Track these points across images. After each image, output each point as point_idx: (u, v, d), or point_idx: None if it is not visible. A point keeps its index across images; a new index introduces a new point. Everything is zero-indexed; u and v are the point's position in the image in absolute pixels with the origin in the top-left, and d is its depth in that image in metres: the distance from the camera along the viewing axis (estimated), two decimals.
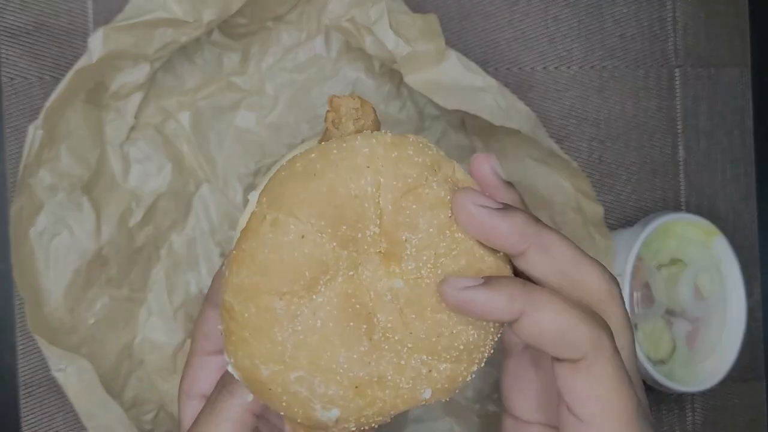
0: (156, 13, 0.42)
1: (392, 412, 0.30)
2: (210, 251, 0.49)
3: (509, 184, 0.32)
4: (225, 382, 0.33)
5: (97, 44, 0.42)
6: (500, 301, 0.28)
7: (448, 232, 0.29)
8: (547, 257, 0.29)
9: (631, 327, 0.30)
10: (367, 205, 0.29)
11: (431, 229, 0.29)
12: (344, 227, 0.28)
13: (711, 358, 0.50)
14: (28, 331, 0.44)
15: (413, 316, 0.29)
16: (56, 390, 0.48)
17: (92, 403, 0.43)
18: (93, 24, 0.49)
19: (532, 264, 0.29)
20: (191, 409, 0.36)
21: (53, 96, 0.42)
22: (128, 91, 0.46)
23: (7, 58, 0.49)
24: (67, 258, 0.45)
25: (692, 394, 0.54)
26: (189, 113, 0.48)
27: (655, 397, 0.53)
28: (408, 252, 0.29)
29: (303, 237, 0.28)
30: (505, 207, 0.29)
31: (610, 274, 0.29)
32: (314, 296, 0.28)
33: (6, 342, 0.49)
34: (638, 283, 0.49)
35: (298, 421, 0.30)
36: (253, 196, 0.33)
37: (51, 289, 0.45)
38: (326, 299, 0.28)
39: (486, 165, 0.31)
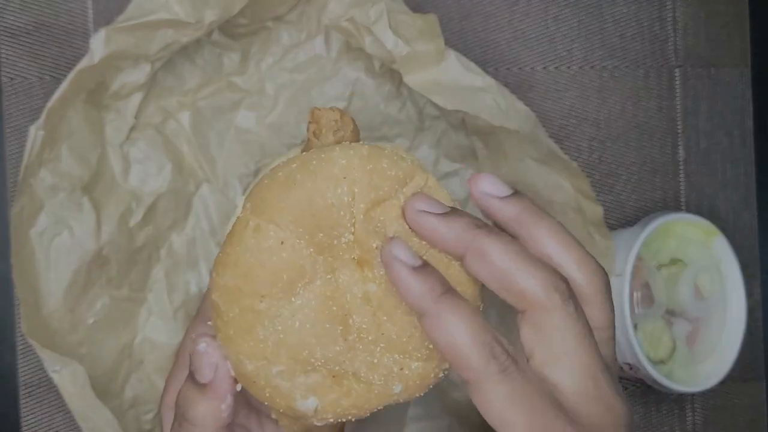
0: (158, 14, 0.42)
1: (367, 407, 0.32)
2: (210, 251, 0.49)
3: (513, 194, 0.32)
4: (181, 413, 0.33)
5: (99, 45, 0.42)
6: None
7: (415, 239, 0.31)
8: (483, 263, 0.29)
9: (582, 332, 0.29)
10: (342, 213, 0.30)
11: (399, 237, 0.31)
12: (321, 234, 0.30)
13: (711, 358, 0.50)
14: None
15: (385, 318, 0.31)
16: (56, 390, 0.48)
17: (85, 406, 0.43)
18: (93, 24, 0.49)
19: (471, 268, 0.30)
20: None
21: (55, 96, 0.42)
22: (129, 91, 0.46)
23: (7, 58, 0.49)
24: (68, 258, 0.45)
25: (692, 394, 0.54)
26: (189, 113, 0.48)
27: (655, 397, 0.53)
28: (378, 260, 0.31)
29: (282, 243, 0.30)
30: (450, 211, 0.30)
31: (555, 279, 0.29)
32: (293, 299, 0.30)
33: (6, 342, 0.49)
34: (638, 283, 0.49)
35: (281, 411, 0.32)
36: (242, 201, 0.34)
37: (51, 289, 0.45)
38: (305, 301, 0.30)
39: (476, 190, 0.31)
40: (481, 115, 0.43)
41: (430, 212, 0.30)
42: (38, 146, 0.42)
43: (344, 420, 0.32)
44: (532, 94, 0.52)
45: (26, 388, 0.49)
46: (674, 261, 0.50)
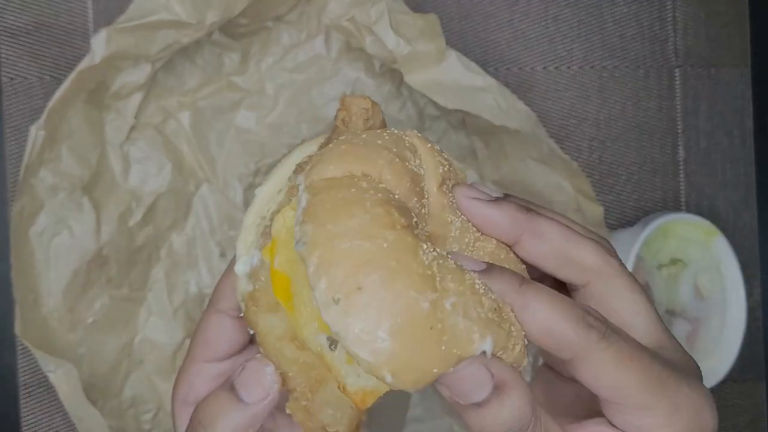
0: (159, 15, 0.42)
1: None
2: (210, 251, 0.49)
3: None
4: (202, 423, 0.31)
5: (100, 45, 0.42)
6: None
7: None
8: (541, 241, 0.30)
9: (642, 291, 0.30)
10: (422, 185, 0.29)
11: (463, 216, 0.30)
12: (415, 199, 0.28)
13: (711, 358, 0.50)
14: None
15: None
16: (56, 390, 0.48)
17: (78, 408, 0.43)
18: (93, 24, 0.49)
19: (528, 249, 0.30)
20: (187, 417, 0.34)
21: (56, 96, 0.42)
22: (129, 91, 0.46)
23: (7, 58, 0.49)
24: (67, 258, 0.45)
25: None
26: (189, 113, 0.48)
27: None
28: (453, 234, 0.30)
29: (396, 195, 0.27)
30: (498, 198, 0.30)
31: (607, 247, 0.30)
32: (421, 240, 0.27)
33: (6, 342, 0.49)
34: None
35: (448, 370, 0.26)
36: (261, 191, 0.33)
37: (51, 288, 0.45)
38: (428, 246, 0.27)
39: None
40: (482, 114, 0.43)
41: (481, 199, 0.30)
42: (39, 146, 0.42)
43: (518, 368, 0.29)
44: (532, 94, 0.52)
45: (26, 388, 0.49)
46: (674, 261, 0.50)
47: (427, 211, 0.29)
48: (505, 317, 0.27)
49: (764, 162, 0.55)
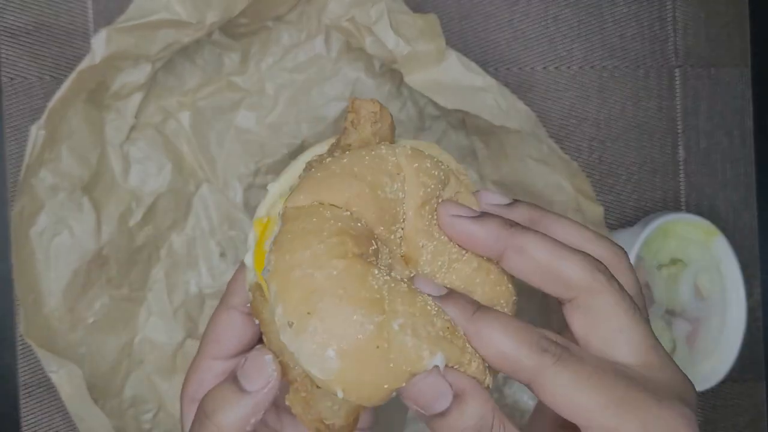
0: (159, 15, 0.42)
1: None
2: (210, 251, 0.49)
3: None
4: (206, 412, 0.32)
5: (100, 45, 0.42)
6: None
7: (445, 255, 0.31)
8: (524, 257, 0.30)
9: (632, 309, 0.29)
10: (398, 209, 0.30)
11: (443, 237, 0.31)
12: (382, 228, 0.30)
13: (711, 358, 0.50)
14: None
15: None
16: (56, 390, 0.48)
17: (80, 408, 0.43)
18: (93, 24, 0.49)
19: (511, 265, 0.30)
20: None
21: (56, 96, 0.42)
22: (129, 91, 0.46)
23: (7, 58, 0.49)
24: (68, 258, 0.45)
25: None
26: (189, 113, 0.48)
27: None
28: (424, 258, 0.31)
29: (357, 218, 0.29)
30: (482, 215, 0.31)
31: (595, 262, 0.30)
32: (374, 266, 0.29)
33: (6, 342, 0.49)
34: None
35: (399, 386, 0.28)
36: (273, 187, 0.34)
37: (51, 288, 0.45)
38: (382, 272, 0.29)
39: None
40: (482, 114, 0.43)
41: (464, 216, 0.31)
42: (39, 146, 0.42)
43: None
44: (532, 94, 0.52)
45: (26, 388, 0.49)
46: (674, 261, 0.50)
47: (401, 236, 0.31)
48: (459, 335, 0.29)
49: (764, 162, 0.55)
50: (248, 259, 0.33)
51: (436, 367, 0.28)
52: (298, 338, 0.27)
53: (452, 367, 0.28)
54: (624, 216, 0.54)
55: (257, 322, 0.34)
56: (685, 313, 0.50)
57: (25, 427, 0.49)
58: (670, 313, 0.50)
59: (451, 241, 0.31)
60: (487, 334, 0.28)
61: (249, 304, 0.35)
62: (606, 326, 0.29)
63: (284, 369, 0.33)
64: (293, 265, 0.28)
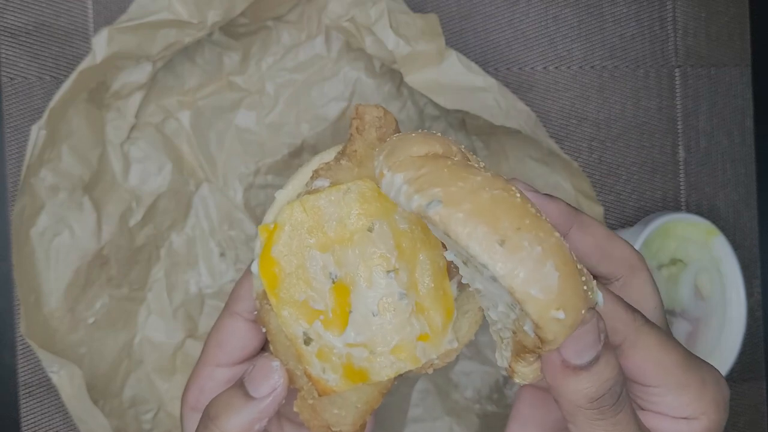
0: (160, 15, 0.42)
1: None
2: (210, 251, 0.49)
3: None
4: (211, 417, 0.33)
5: (101, 45, 0.42)
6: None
7: None
8: (586, 235, 0.32)
9: (659, 292, 0.33)
10: None
11: None
12: None
13: (711, 358, 0.50)
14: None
15: None
16: (55, 390, 0.48)
17: (80, 409, 0.43)
18: (93, 24, 0.49)
19: (575, 241, 0.32)
20: (193, 423, 0.35)
21: (57, 96, 0.42)
22: (129, 90, 0.46)
23: (7, 58, 0.49)
24: (68, 257, 0.45)
25: None
26: (189, 113, 0.48)
27: None
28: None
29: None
30: (549, 195, 0.33)
31: (634, 247, 0.33)
32: None
33: (6, 342, 0.49)
34: None
35: (582, 313, 0.26)
36: (280, 194, 0.34)
37: (51, 288, 0.45)
38: None
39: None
40: (482, 114, 0.43)
41: (535, 192, 0.32)
42: (39, 146, 0.42)
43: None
44: (532, 94, 0.52)
45: (26, 388, 0.49)
46: (674, 261, 0.50)
47: None
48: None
49: (764, 162, 0.55)
50: (254, 267, 0.33)
51: (593, 310, 0.27)
52: (513, 256, 0.25)
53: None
54: (624, 216, 0.54)
55: (264, 330, 0.34)
56: (685, 313, 0.50)
57: (25, 427, 0.49)
58: (670, 313, 0.50)
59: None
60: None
61: (255, 312, 0.35)
62: (647, 302, 0.32)
63: (291, 376, 0.33)
64: (473, 189, 0.26)
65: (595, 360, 0.27)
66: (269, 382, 0.32)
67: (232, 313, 0.35)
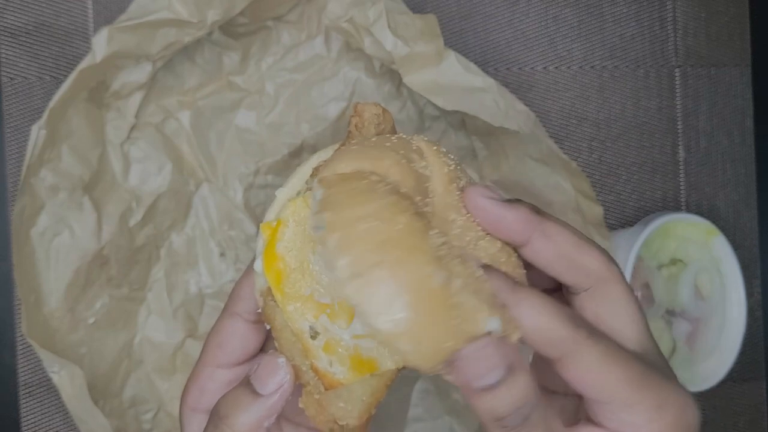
0: (160, 14, 0.42)
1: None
2: (210, 251, 0.49)
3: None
4: (221, 416, 0.33)
5: (101, 44, 0.42)
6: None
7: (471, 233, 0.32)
8: (549, 243, 0.30)
9: (637, 301, 0.31)
10: (426, 185, 0.31)
11: (469, 214, 0.31)
12: (418, 198, 0.30)
13: (711, 358, 0.50)
14: None
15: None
16: (56, 390, 0.48)
17: (81, 409, 0.43)
18: (93, 24, 0.49)
19: (537, 250, 0.31)
20: (197, 424, 0.35)
21: (57, 96, 0.42)
22: (129, 90, 0.46)
23: (7, 58, 0.49)
24: (68, 257, 0.45)
25: (692, 394, 0.54)
26: (189, 112, 0.48)
27: None
28: (454, 233, 0.31)
29: (402, 190, 0.30)
30: (510, 200, 0.31)
31: (609, 255, 0.31)
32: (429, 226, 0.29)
33: (6, 342, 0.49)
34: (638, 283, 0.49)
35: (456, 347, 0.27)
36: (281, 192, 0.34)
37: (51, 288, 0.45)
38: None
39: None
40: (481, 115, 0.43)
41: (495, 198, 0.31)
42: (40, 146, 0.42)
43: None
44: (532, 94, 0.52)
45: (26, 388, 0.49)
46: (674, 261, 0.50)
47: (431, 210, 0.31)
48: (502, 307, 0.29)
49: (764, 162, 0.55)
50: (258, 265, 0.33)
51: (491, 334, 0.27)
52: (366, 289, 0.26)
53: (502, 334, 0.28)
54: (624, 216, 0.54)
55: (268, 327, 0.34)
56: (685, 313, 0.50)
57: (25, 427, 0.49)
58: (670, 313, 0.50)
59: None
60: (527, 305, 0.29)
61: (259, 310, 0.35)
62: (618, 315, 0.30)
63: (297, 372, 0.33)
64: (357, 218, 0.27)
65: (498, 383, 0.27)
66: (275, 378, 0.32)
67: (232, 314, 0.36)
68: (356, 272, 0.26)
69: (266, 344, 0.37)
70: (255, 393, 0.32)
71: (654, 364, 0.30)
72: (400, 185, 0.29)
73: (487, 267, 0.30)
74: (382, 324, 0.26)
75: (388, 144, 0.31)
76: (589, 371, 0.28)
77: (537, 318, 0.28)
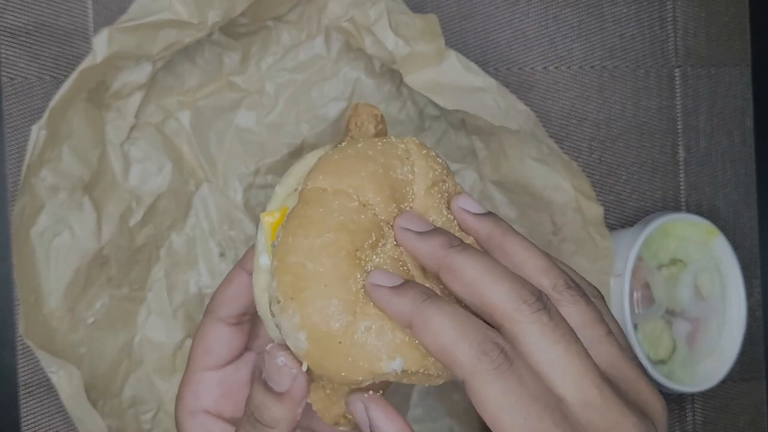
0: (161, 15, 0.42)
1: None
2: (210, 251, 0.49)
3: (487, 213, 0.33)
4: (258, 416, 0.34)
5: (101, 44, 0.42)
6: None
7: (456, 228, 0.34)
8: (453, 276, 0.30)
9: (565, 340, 0.28)
10: (407, 189, 0.33)
11: (450, 215, 0.34)
12: (393, 205, 0.32)
13: (711, 358, 0.50)
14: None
15: (441, 286, 0.32)
16: (56, 390, 0.48)
17: (78, 410, 0.43)
18: (93, 24, 0.49)
19: (446, 284, 0.30)
20: (196, 426, 0.37)
21: (57, 96, 0.42)
22: (129, 90, 0.46)
23: (7, 58, 0.49)
24: (68, 258, 0.45)
25: (692, 394, 0.54)
26: (189, 112, 0.49)
27: None
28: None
29: (365, 206, 0.32)
30: (431, 230, 0.31)
31: (526, 290, 0.28)
32: (374, 256, 0.32)
33: (6, 342, 0.49)
34: (638, 283, 0.49)
35: (360, 378, 0.31)
36: (281, 188, 0.35)
37: (51, 288, 0.45)
38: (382, 260, 0.32)
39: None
40: (481, 115, 0.43)
41: (411, 230, 0.32)
42: (40, 146, 0.42)
43: (426, 384, 0.32)
44: (532, 94, 0.52)
45: (26, 388, 0.49)
46: (674, 261, 0.50)
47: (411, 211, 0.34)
48: None
49: (764, 162, 0.55)
50: (263, 260, 0.34)
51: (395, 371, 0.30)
52: (281, 315, 0.31)
53: (415, 371, 0.30)
54: (624, 216, 0.54)
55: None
56: (685, 313, 0.50)
57: (25, 427, 0.49)
58: (670, 313, 0.50)
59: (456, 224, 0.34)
60: (433, 322, 0.28)
61: (244, 315, 0.37)
62: (535, 358, 0.27)
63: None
64: (292, 250, 0.31)
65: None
66: (284, 375, 0.33)
67: (216, 319, 0.37)
68: (278, 298, 0.31)
69: (250, 342, 0.39)
70: (273, 392, 0.33)
71: (584, 420, 0.27)
72: (375, 196, 0.32)
73: (402, 285, 0.30)
74: (292, 346, 0.31)
75: (371, 152, 0.33)
76: (485, 407, 0.26)
77: (439, 335, 0.28)
